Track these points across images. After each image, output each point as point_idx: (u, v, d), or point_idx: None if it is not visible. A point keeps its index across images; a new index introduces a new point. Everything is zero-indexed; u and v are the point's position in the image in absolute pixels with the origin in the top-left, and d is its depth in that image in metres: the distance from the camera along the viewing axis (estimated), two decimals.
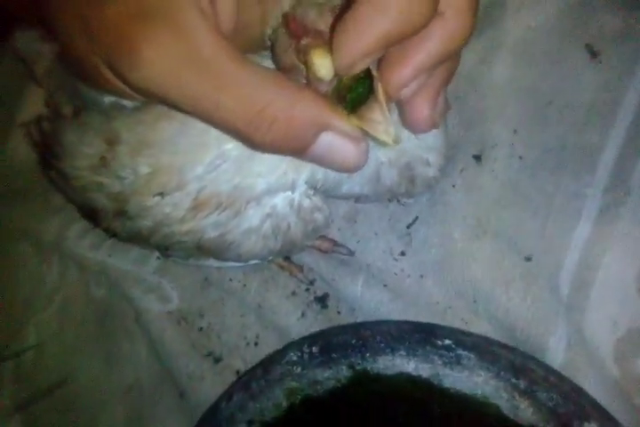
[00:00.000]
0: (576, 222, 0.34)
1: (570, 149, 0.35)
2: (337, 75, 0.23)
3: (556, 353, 0.33)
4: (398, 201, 0.37)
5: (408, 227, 0.38)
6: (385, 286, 0.37)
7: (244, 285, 0.39)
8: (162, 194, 0.29)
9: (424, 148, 0.31)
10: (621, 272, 0.34)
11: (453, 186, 0.37)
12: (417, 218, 0.37)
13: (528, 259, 0.35)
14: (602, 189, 0.35)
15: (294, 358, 0.31)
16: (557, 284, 0.34)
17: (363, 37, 0.21)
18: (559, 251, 0.35)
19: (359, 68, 0.22)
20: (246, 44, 0.26)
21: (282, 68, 0.26)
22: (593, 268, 0.34)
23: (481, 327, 0.35)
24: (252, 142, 0.23)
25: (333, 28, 0.22)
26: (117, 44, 0.22)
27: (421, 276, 0.37)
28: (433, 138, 0.31)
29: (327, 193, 0.32)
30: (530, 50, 0.37)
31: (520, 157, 0.36)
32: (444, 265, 0.36)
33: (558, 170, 0.35)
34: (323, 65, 0.22)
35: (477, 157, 0.37)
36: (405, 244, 0.38)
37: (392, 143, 0.22)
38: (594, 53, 0.38)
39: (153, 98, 0.23)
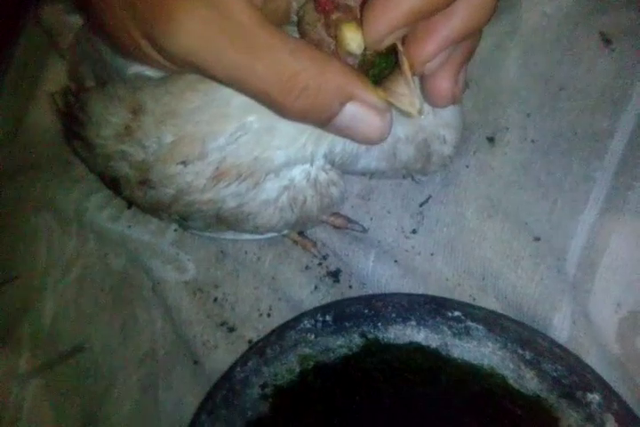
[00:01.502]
0: (584, 205, 0.35)
1: (580, 134, 0.36)
2: (365, 49, 0.24)
3: (560, 330, 0.34)
4: (412, 179, 0.38)
5: (420, 205, 0.38)
6: (396, 262, 0.38)
7: (259, 258, 0.41)
8: (184, 163, 0.30)
9: (441, 125, 0.32)
10: (627, 255, 0.35)
11: (467, 166, 0.38)
12: (430, 197, 0.38)
13: (537, 239, 0.36)
14: (611, 173, 0.36)
15: (308, 326, 0.33)
16: (564, 264, 0.35)
17: (392, 13, 0.22)
18: (567, 232, 0.35)
19: (388, 42, 0.23)
20: (272, 16, 0.27)
21: (308, 41, 0.26)
22: (599, 250, 0.35)
23: (489, 304, 0.36)
24: (282, 108, 0.24)
25: (363, 4, 0.23)
26: (156, 15, 0.22)
27: (432, 253, 0.38)
28: (450, 115, 0.32)
29: (344, 168, 0.33)
30: (544, 36, 0.38)
31: (532, 141, 0.37)
32: (454, 243, 0.37)
33: (569, 154, 0.36)
34: (353, 39, 0.23)
35: (491, 140, 0.38)
36: (417, 222, 0.38)
37: (417, 114, 0.23)
38: (607, 41, 0.38)
39: (188, 67, 0.24)
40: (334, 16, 0.24)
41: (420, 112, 0.23)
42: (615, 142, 0.36)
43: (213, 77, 0.24)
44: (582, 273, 0.35)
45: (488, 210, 0.37)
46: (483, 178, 0.37)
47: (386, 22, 0.22)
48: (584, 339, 0.34)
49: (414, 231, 0.38)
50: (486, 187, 0.37)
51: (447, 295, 0.36)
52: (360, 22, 0.23)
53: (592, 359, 0.33)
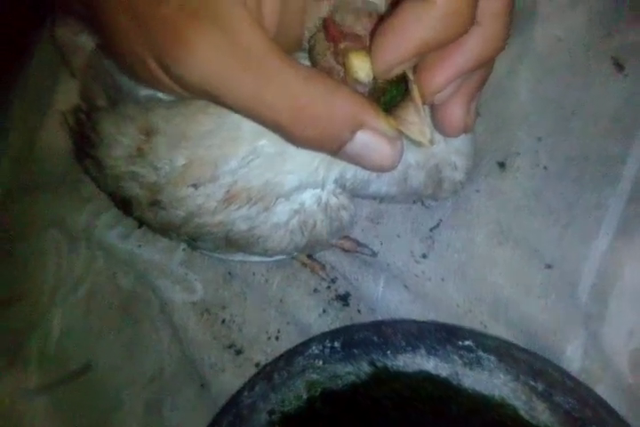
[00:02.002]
0: (596, 232, 0.35)
1: (592, 160, 0.36)
2: (374, 78, 0.24)
3: (572, 360, 0.33)
4: (423, 204, 0.38)
5: (431, 230, 0.38)
6: (406, 287, 0.38)
7: (267, 280, 0.40)
8: (195, 185, 0.30)
9: (452, 151, 0.32)
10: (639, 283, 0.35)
11: (477, 191, 0.38)
12: (440, 221, 0.38)
13: (548, 266, 0.35)
14: (624, 200, 0.36)
15: (316, 352, 0.32)
16: (576, 292, 0.35)
17: (402, 43, 0.22)
18: (579, 259, 0.35)
19: (396, 72, 0.23)
20: (285, 44, 0.27)
21: (319, 69, 0.27)
22: (611, 278, 0.35)
23: (500, 331, 0.35)
24: (292, 137, 0.24)
25: (373, 32, 0.23)
26: (170, 43, 0.23)
27: (442, 279, 0.37)
28: (461, 142, 0.32)
29: (354, 192, 0.33)
30: (555, 60, 0.38)
31: (543, 166, 0.37)
32: (465, 269, 0.37)
33: (580, 180, 0.36)
34: (361, 68, 0.23)
35: (501, 164, 0.38)
36: (427, 246, 0.38)
37: (427, 144, 0.23)
38: (619, 66, 0.38)
39: (200, 94, 0.24)
40: (342, 45, 0.24)
41: (431, 142, 0.23)
42: (627, 168, 0.36)
43: (225, 105, 0.24)
44: (594, 301, 0.35)
45: (498, 236, 0.37)
46: (493, 203, 0.37)
47: (395, 53, 0.22)
48: (596, 369, 0.34)
49: (424, 256, 0.38)
50: (497, 212, 0.37)
51: (457, 322, 0.36)
52: (369, 51, 0.23)
53: (604, 389, 0.33)
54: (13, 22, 0.49)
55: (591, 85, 0.37)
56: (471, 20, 0.21)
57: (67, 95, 0.47)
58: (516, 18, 0.39)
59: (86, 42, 0.42)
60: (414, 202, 0.38)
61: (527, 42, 0.38)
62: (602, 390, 0.33)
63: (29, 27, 0.49)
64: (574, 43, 0.38)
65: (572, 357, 0.33)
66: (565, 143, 0.37)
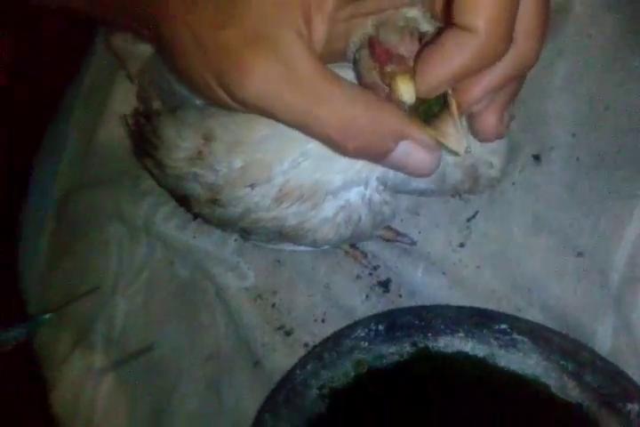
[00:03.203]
0: (627, 222, 0.37)
1: (624, 153, 0.38)
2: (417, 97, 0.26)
3: (603, 343, 0.35)
4: (460, 197, 0.40)
5: (468, 220, 0.41)
6: (444, 273, 0.40)
7: (313, 267, 0.43)
8: (252, 186, 0.33)
9: (488, 151, 0.34)
10: None
11: (513, 184, 0.40)
12: (477, 212, 0.40)
13: (580, 254, 0.37)
14: None
15: (362, 334, 0.35)
16: (607, 279, 0.37)
17: (444, 70, 0.24)
18: (610, 248, 0.37)
19: (438, 93, 0.25)
20: (331, 55, 0.30)
21: (364, 84, 0.29)
22: None
23: (534, 316, 0.38)
24: (340, 148, 0.27)
25: (417, 54, 0.26)
26: (231, 67, 0.25)
27: (478, 266, 0.40)
28: (496, 143, 0.34)
29: (396, 189, 0.36)
30: (588, 57, 0.39)
31: (577, 159, 0.39)
32: (501, 257, 0.39)
33: (613, 172, 0.38)
34: (406, 91, 0.26)
35: (537, 158, 0.40)
36: (464, 236, 0.41)
37: (463, 153, 0.25)
38: None
39: (256, 111, 0.27)
40: (389, 68, 0.26)
41: (466, 151, 0.25)
42: None
43: (279, 120, 0.27)
44: (625, 287, 0.37)
45: (533, 226, 0.39)
46: (528, 195, 0.39)
47: (437, 78, 0.24)
48: (625, 350, 0.35)
49: (462, 245, 0.41)
50: (532, 203, 0.39)
51: (493, 306, 0.38)
52: (413, 73, 0.26)
53: (632, 370, 0.35)
54: (70, 30, 0.52)
55: (623, 82, 0.39)
56: (507, 48, 0.23)
57: (122, 98, 0.51)
58: (552, 16, 0.41)
59: (141, 49, 0.45)
60: (452, 196, 0.40)
61: (561, 40, 0.40)
62: (630, 369, 0.35)
63: (85, 34, 0.52)
64: (607, 40, 0.39)
65: (603, 339, 0.35)
66: (599, 138, 0.38)
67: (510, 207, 0.39)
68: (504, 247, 0.39)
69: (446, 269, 0.40)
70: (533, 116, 0.40)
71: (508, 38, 0.23)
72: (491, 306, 0.38)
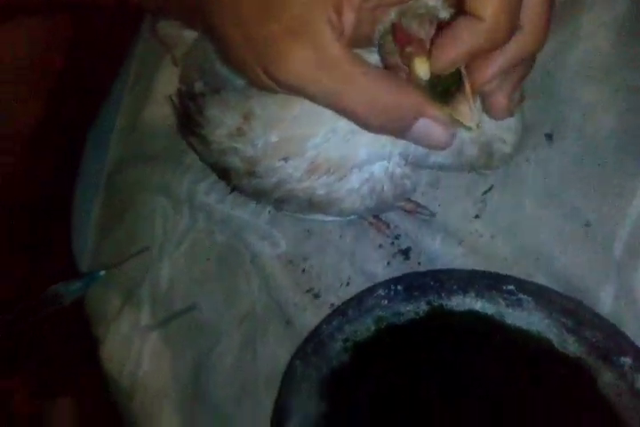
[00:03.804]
0: (631, 198, 0.40)
1: (631, 133, 0.40)
2: (432, 75, 0.30)
3: (604, 305, 0.38)
4: (476, 172, 0.43)
5: (483, 194, 0.44)
6: (460, 243, 0.44)
7: (340, 236, 0.47)
8: (286, 159, 0.37)
9: (502, 128, 0.37)
10: None
11: (526, 160, 0.43)
12: (492, 186, 0.44)
13: (587, 224, 0.40)
14: None
15: (382, 294, 0.39)
16: (611, 248, 0.40)
17: (456, 50, 0.28)
18: (616, 220, 0.40)
19: (450, 70, 0.29)
20: (359, 40, 0.33)
21: (386, 65, 0.33)
22: None
23: (542, 281, 0.41)
24: (366, 124, 0.30)
25: (434, 38, 0.29)
26: (271, 52, 0.29)
27: (492, 236, 0.43)
28: (510, 120, 0.37)
29: (416, 163, 0.39)
30: (602, 43, 0.42)
31: (587, 138, 0.41)
32: (513, 228, 0.42)
33: (620, 151, 0.40)
34: (422, 69, 0.29)
35: (549, 136, 0.43)
36: (480, 208, 0.44)
37: (475, 128, 0.29)
38: None
39: (293, 91, 0.31)
40: (408, 49, 0.30)
41: (478, 126, 0.29)
42: None
43: (312, 99, 0.31)
44: (628, 256, 0.39)
45: (544, 199, 0.42)
46: (541, 170, 0.42)
47: (450, 58, 0.28)
48: (626, 314, 0.38)
49: (477, 216, 0.44)
50: (543, 178, 0.42)
51: (505, 272, 0.42)
52: (429, 55, 0.29)
53: (631, 330, 0.38)
54: (117, 17, 0.57)
55: (635, 66, 0.41)
56: (511, 33, 0.27)
57: (167, 80, 0.55)
58: (565, 4, 0.43)
59: (184, 36, 0.50)
60: (469, 171, 0.43)
61: (576, 28, 0.42)
62: (630, 332, 0.38)
63: (133, 21, 0.56)
64: (619, 28, 0.42)
65: (604, 302, 0.38)
66: (608, 117, 0.41)
67: (523, 182, 0.42)
68: (516, 218, 0.42)
69: (462, 238, 0.44)
70: (547, 97, 0.43)
71: (512, 25, 0.27)
72: (503, 272, 0.41)
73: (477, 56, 0.28)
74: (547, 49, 0.42)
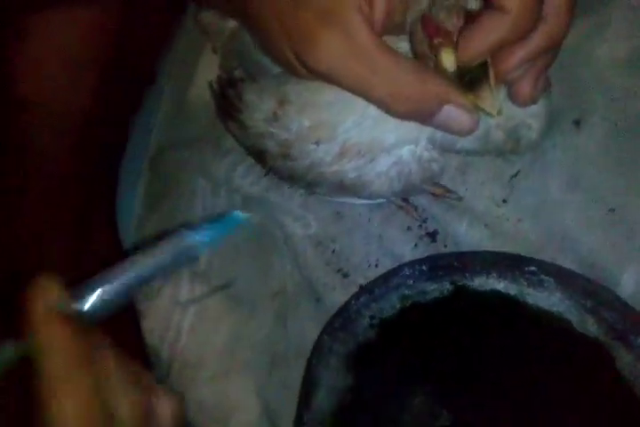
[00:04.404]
0: None
1: None
2: (459, 65, 0.31)
3: (625, 288, 0.39)
4: (504, 157, 0.44)
5: (511, 178, 0.45)
6: (486, 226, 0.45)
7: (369, 219, 0.49)
8: (318, 142, 0.39)
9: (528, 115, 0.38)
10: None
11: (553, 146, 0.44)
12: (519, 171, 0.45)
13: (612, 210, 0.41)
14: None
15: (408, 273, 0.41)
16: (635, 233, 0.40)
17: (482, 42, 0.29)
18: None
19: (476, 61, 0.30)
20: (391, 28, 0.35)
21: (415, 53, 0.34)
22: None
23: (566, 264, 0.42)
24: (392, 110, 0.32)
25: (462, 29, 0.31)
26: (304, 40, 0.31)
27: (519, 220, 0.44)
28: (537, 107, 0.38)
29: (444, 148, 0.40)
30: (630, 27, 0.42)
31: (615, 124, 0.42)
32: (539, 212, 0.43)
33: None
34: (449, 60, 0.31)
35: (577, 122, 0.43)
36: (507, 193, 0.45)
37: (496, 115, 0.30)
38: None
39: (324, 78, 0.32)
40: (436, 41, 0.31)
41: (499, 113, 0.30)
42: None
43: (341, 86, 0.32)
44: None
45: (570, 184, 0.43)
46: (567, 156, 0.43)
47: (476, 50, 0.29)
48: None
49: (504, 201, 0.45)
50: (570, 164, 0.43)
51: (530, 256, 0.43)
52: (456, 46, 0.30)
53: None
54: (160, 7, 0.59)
55: None
56: (534, 26, 0.28)
57: (207, 67, 0.57)
58: None
59: (224, 25, 0.52)
60: (496, 156, 0.44)
61: (605, 12, 0.43)
62: None
63: (177, 11, 0.59)
64: None
65: (626, 285, 0.39)
66: (636, 103, 0.41)
67: (550, 167, 0.43)
68: (542, 203, 0.43)
69: (489, 222, 0.45)
70: (575, 84, 0.43)
71: (535, 17, 0.28)
72: (527, 255, 0.43)
73: (503, 47, 0.29)
74: (576, 35, 0.43)
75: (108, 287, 0.28)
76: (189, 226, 0.30)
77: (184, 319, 0.56)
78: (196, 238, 0.29)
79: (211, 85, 0.52)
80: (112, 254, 0.59)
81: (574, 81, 0.43)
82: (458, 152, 0.43)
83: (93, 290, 0.28)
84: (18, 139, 0.52)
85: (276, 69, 0.42)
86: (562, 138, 0.43)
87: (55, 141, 0.53)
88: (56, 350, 0.25)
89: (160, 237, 0.30)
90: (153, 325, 0.58)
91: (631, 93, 0.42)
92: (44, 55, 0.52)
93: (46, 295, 0.26)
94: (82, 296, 0.28)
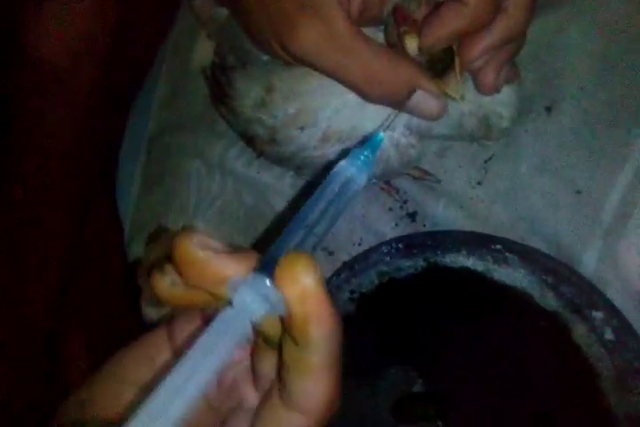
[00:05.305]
0: (622, 166, 0.43)
1: (626, 106, 0.43)
2: (421, 52, 0.33)
3: (587, 266, 0.42)
4: (478, 143, 0.47)
5: (485, 162, 0.47)
6: (462, 207, 0.47)
7: None
8: (302, 128, 0.42)
9: (498, 103, 0.40)
10: None
11: (525, 131, 0.46)
12: (493, 155, 0.47)
13: (578, 192, 0.44)
14: None
15: (385, 251, 0.44)
16: (600, 214, 0.43)
17: (441, 30, 0.31)
18: (606, 188, 0.43)
19: (438, 48, 0.33)
20: (367, 21, 0.37)
21: (389, 43, 0.36)
22: (632, 204, 0.42)
23: (535, 243, 0.45)
24: (365, 94, 0.34)
25: (425, 19, 0.33)
26: (285, 26, 0.33)
27: (492, 201, 0.47)
28: (506, 96, 0.40)
29: (421, 134, 0.43)
30: (601, 19, 0.44)
31: (584, 110, 0.44)
32: (510, 194, 0.46)
33: (614, 123, 0.43)
34: (412, 46, 0.33)
35: (548, 109, 0.46)
36: (482, 176, 0.48)
37: (459, 99, 0.33)
38: None
39: (303, 63, 0.35)
40: (402, 29, 0.34)
41: (462, 98, 0.33)
42: None
43: (320, 70, 0.35)
44: (615, 222, 0.43)
45: (540, 167, 0.45)
46: (538, 141, 0.45)
47: (436, 37, 0.32)
48: (608, 275, 0.42)
49: (479, 183, 0.48)
50: (540, 149, 0.45)
51: (502, 235, 0.46)
52: (419, 33, 0.33)
53: (613, 292, 0.42)
54: None
55: (634, 40, 0.43)
56: (492, 17, 0.30)
57: (203, 53, 0.59)
58: None
59: (219, 12, 0.54)
60: (471, 142, 0.47)
61: (576, 3, 0.45)
62: (612, 293, 0.42)
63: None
64: (618, 4, 0.43)
65: (587, 263, 0.42)
66: (604, 92, 0.44)
67: (521, 151, 0.46)
68: (513, 186, 0.46)
69: (464, 203, 0.48)
70: (547, 72, 0.45)
71: (492, 10, 0.30)
72: (499, 235, 0.45)
73: (463, 36, 0.31)
74: (548, 24, 0.45)
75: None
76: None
77: None
78: (354, 169, 0.26)
79: (204, 72, 0.54)
80: (112, 236, 0.62)
81: (546, 69, 0.45)
82: (435, 138, 0.46)
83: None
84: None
85: (264, 57, 0.44)
86: (533, 124, 0.46)
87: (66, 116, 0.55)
88: None
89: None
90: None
91: (601, 81, 0.44)
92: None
93: None
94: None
